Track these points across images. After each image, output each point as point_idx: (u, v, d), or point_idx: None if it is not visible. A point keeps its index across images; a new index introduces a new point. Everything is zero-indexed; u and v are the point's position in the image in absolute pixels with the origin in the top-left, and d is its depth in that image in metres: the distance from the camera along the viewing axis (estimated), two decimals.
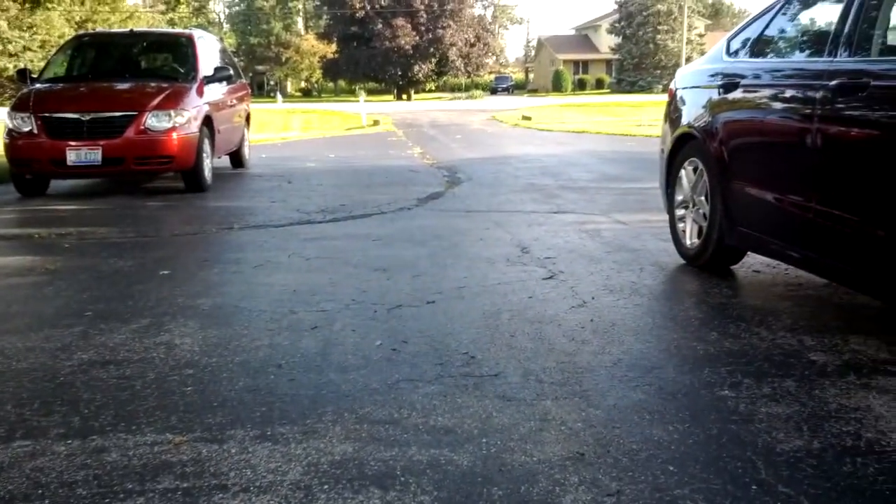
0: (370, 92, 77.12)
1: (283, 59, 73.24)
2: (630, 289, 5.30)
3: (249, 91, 14.15)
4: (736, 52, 5.81)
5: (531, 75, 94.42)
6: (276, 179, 11.71)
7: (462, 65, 66.21)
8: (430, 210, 8.78)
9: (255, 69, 72.46)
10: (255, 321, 4.62)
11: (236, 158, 13.53)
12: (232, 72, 12.04)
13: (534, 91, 78.74)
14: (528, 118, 29.26)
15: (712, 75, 5.82)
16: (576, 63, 79.49)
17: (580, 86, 73.29)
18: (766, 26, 5.44)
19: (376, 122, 27.74)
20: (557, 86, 73.27)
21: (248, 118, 13.87)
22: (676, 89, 6.43)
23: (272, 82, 76.33)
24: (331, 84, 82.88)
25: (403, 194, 9.97)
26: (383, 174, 12.34)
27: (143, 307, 4.83)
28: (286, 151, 17.47)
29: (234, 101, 12.41)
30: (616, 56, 70.17)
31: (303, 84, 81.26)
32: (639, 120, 25.13)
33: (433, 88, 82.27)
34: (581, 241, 6.95)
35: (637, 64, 68.91)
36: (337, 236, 7.29)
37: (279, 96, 60.07)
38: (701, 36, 65.91)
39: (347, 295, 5.20)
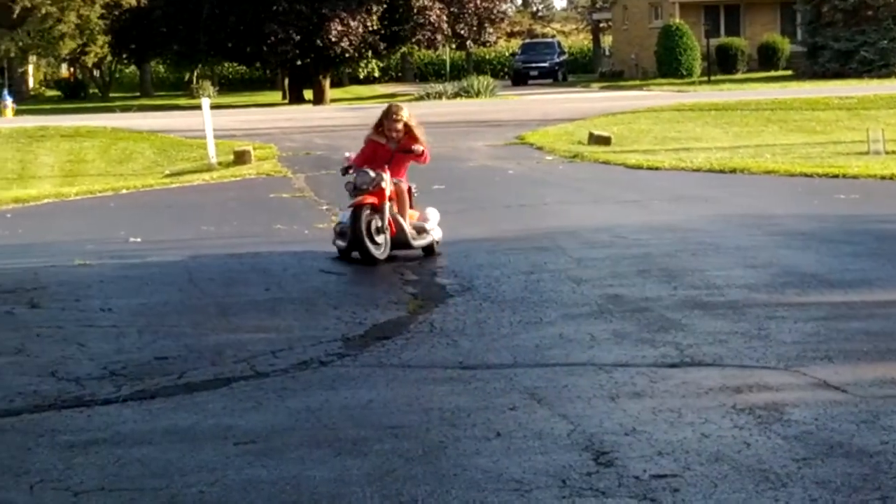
0: (229, 86, 50.85)
1: (15, 15, 42.19)
2: None
3: None
4: None
5: (606, 42, 59.11)
6: (0, 299, 8.65)
7: (443, 20, 38.68)
8: (373, 366, 5.96)
9: None
10: None
11: None
12: None
13: (615, 76, 49.68)
14: (605, 140, 19.50)
15: None
16: (712, 10, 46.97)
17: (722, 63, 43.00)
18: None
19: (242, 157, 18.36)
20: (669, 63, 42.91)
21: None
22: None
23: None
24: (131, 69, 54.11)
25: (309, 328, 6.82)
26: (259, 280, 8.54)
27: None
28: (25, 231, 12.14)
29: None
30: None
31: (66, 71, 52.32)
32: (863, 139, 16.87)
33: (374, 75, 49.31)
34: (738, 434, 4.46)
35: (853, 12, 39.51)
36: (148, 436, 4.83)
37: (7, 100, 37.50)
38: None
39: None
